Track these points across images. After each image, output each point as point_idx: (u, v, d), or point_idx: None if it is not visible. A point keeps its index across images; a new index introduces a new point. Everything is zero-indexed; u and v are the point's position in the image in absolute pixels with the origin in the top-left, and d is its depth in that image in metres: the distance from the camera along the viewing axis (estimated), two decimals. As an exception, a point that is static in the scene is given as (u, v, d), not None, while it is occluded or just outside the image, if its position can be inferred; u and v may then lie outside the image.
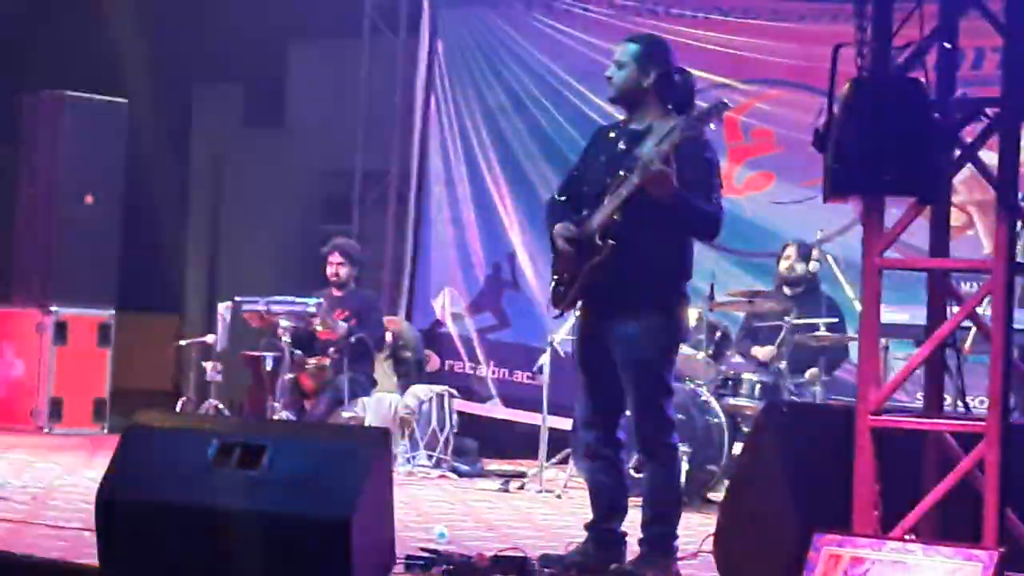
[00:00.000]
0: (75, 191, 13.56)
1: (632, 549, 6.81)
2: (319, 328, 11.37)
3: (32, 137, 13.76)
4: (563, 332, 10.33)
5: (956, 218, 7.12)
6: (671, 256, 6.73)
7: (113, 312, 13.65)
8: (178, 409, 12.12)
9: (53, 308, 13.32)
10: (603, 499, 6.87)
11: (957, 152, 5.59)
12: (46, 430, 13.10)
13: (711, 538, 6.44)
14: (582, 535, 6.91)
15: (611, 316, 6.71)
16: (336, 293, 11.81)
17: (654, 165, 6.46)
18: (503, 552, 6.75)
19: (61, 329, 13.34)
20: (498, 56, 13.95)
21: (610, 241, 6.61)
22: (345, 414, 11.17)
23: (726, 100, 6.95)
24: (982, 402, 6.56)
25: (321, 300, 11.52)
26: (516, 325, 13.55)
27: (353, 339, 11.43)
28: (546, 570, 6.55)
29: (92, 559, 5.82)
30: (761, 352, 10.70)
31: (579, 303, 6.90)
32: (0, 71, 15.13)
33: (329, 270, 11.83)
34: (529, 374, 12.62)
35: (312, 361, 11.41)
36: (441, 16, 14.38)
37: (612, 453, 6.83)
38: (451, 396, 11.73)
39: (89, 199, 13.58)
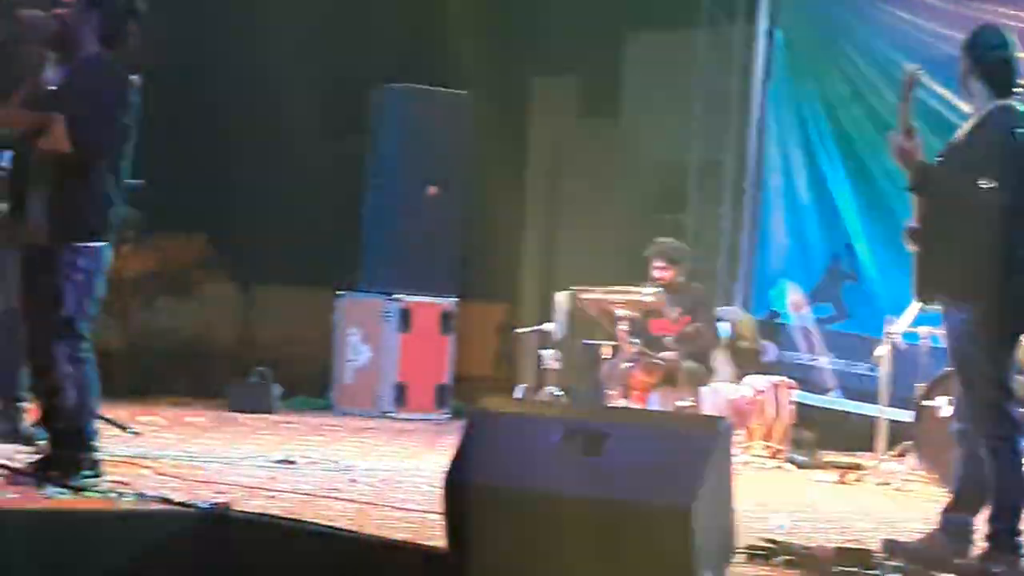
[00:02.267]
0: (420, 182, 13.84)
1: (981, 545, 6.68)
2: (656, 318, 11.38)
3: (379, 129, 14.09)
4: (903, 324, 10.14)
5: None
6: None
7: (456, 300, 13.90)
8: (518, 396, 12.27)
9: (397, 296, 13.62)
10: (963, 488, 6.78)
11: None
12: (391, 415, 13.40)
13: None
14: (922, 529, 6.79)
15: None
16: (666, 294, 11.79)
17: None
18: (844, 544, 6.67)
19: (405, 316, 13.64)
20: (838, 45, 13.73)
21: None
22: (681, 404, 11.16)
23: None
24: None
25: (660, 288, 11.51)
26: (855, 315, 13.34)
27: (688, 328, 11.43)
28: (889, 562, 6.44)
29: (437, 541, 5.93)
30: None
31: None
32: (351, 65, 15.55)
33: (654, 274, 11.80)
34: (868, 365, 12.41)
35: (653, 356, 11.40)
36: (779, 4, 14.23)
37: (979, 443, 6.71)
38: (788, 386, 11.61)
39: (432, 190, 13.85)
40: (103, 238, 7.08)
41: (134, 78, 7.07)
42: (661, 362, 11.41)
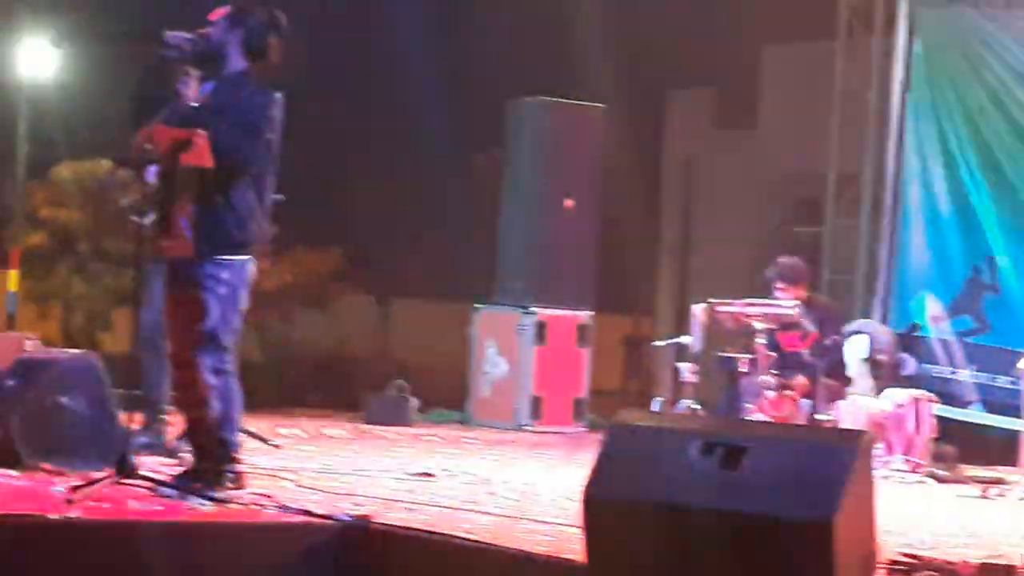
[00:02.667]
0: (555, 195, 13.86)
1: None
2: (786, 331, 11.31)
3: (515, 142, 14.14)
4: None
5: None
6: None
7: (591, 313, 13.89)
8: (655, 409, 12.24)
9: (533, 309, 13.65)
10: None
11: None
12: (527, 427, 13.42)
13: None
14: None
15: None
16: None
17: None
18: (987, 559, 6.57)
19: (541, 329, 13.66)
20: (979, 56, 13.55)
21: None
22: (820, 417, 11.07)
23: None
24: None
25: (798, 303, 11.42)
26: (997, 328, 13.16)
27: (827, 342, 11.33)
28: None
29: (576, 554, 5.93)
30: None
31: None
32: (488, 79, 15.63)
33: (777, 295, 11.69)
34: (1010, 378, 12.23)
35: (786, 386, 11.31)
36: (919, 15, 14.07)
37: None
38: (928, 400, 11.47)
39: (568, 203, 13.87)
40: (247, 252, 7.17)
41: (277, 93, 7.15)
42: (793, 392, 11.28)
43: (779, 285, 11.68)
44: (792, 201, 16.70)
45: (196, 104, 7.11)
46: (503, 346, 13.81)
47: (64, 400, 8.06)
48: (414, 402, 13.27)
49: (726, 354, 12.03)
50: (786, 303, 11.41)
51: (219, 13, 7.23)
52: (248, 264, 7.21)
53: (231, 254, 7.10)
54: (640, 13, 15.93)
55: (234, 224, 7.10)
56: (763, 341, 11.28)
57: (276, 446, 9.97)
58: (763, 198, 17.08)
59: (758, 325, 11.28)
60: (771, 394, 11.26)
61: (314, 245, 18.36)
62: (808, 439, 6.06)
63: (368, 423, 12.92)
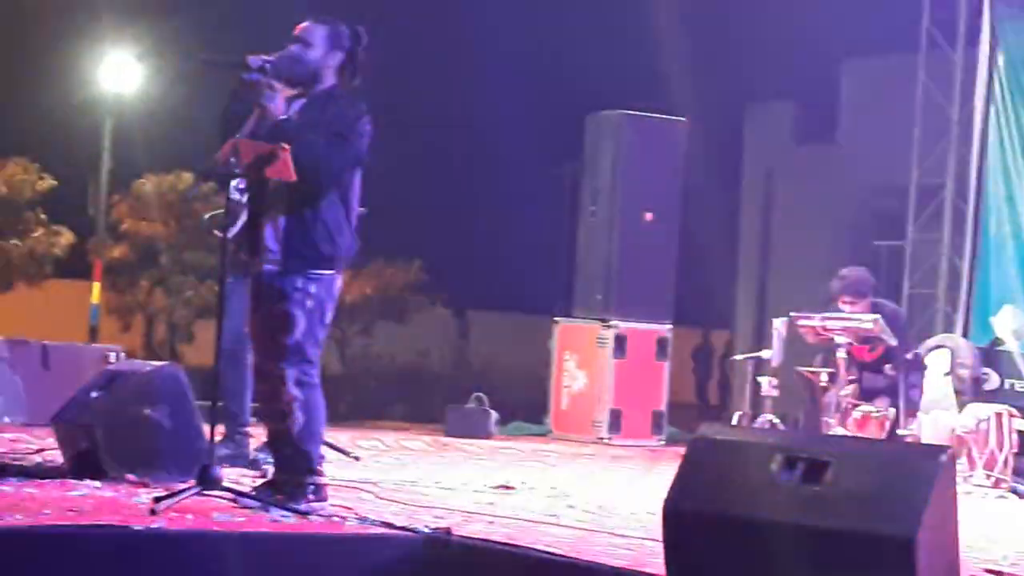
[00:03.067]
0: (634, 208, 13.86)
1: None
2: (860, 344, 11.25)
3: (594, 156, 14.15)
4: None
5: None
6: None
7: (670, 326, 13.87)
8: (734, 423, 12.21)
9: (613, 322, 13.64)
10: None
11: None
12: (606, 440, 13.41)
13: None
14: None
15: None
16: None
17: None
18: (1073, 577, 6.51)
19: (621, 343, 13.65)
20: (1062, 67, 13.46)
21: None
22: (902, 432, 11.01)
23: None
24: None
25: (878, 316, 11.36)
26: (1079, 343, 13.01)
27: (907, 356, 11.26)
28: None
29: (656, 568, 5.92)
30: None
31: None
32: (568, 92, 15.65)
33: (844, 310, 11.62)
34: (1095, 394, 12.09)
35: (863, 408, 11.24)
36: (1002, 27, 13.97)
37: None
38: (1011, 415, 11.36)
39: (648, 216, 13.86)
40: (336, 267, 7.21)
41: (364, 108, 7.19)
42: (875, 410, 11.21)
43: (845, 299, 11.62)
44: (873, 214, 16.61)
45: (284, 117, 7.15)
46: (582, 359, 13.81)
47: (148, 411, 8.13)
48: (493, 415, 13.30)
49: (805, 368, 11.98)
50: (866, 317, 11.35)
51: (311, 30, 7.27)
52: (336, 279, 7.25)
53: (320, 268, 7.14)
54: (719, 26, 15.91)
55: (324, 238, 7.13)
56: (844, 355, 11.22)
57: (356, 458, 10.01)
58: (843, 211, 17.00)
59: (839, 339, 11.23)
60: (852, 409, 11.20)
61: (394, 259, 18.48)
62: (890, 454, 6.03)
63: (448, 435, 12.96)
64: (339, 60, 7.26)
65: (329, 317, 7.23)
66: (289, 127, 7.07)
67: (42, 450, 9.00)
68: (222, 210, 7.52)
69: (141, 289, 20.18)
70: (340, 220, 7.17)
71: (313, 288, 7.11)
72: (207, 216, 10.17)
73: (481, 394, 13.43)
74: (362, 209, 7.46)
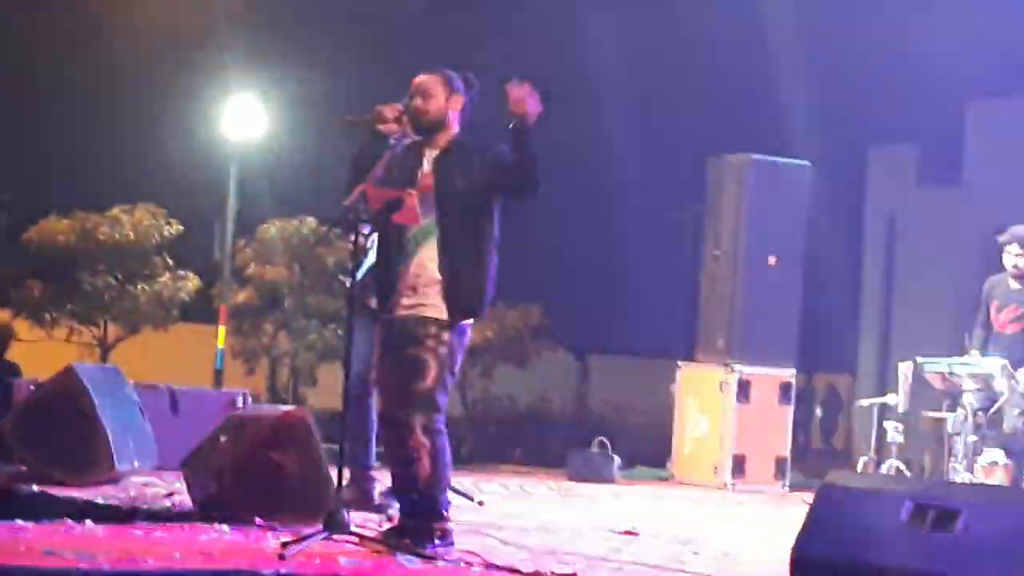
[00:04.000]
0: (758, 252, 13.79)
1: None
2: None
3: (717, 199, 14.10)
4: None
5: None
6: None
7: (794, 371, 13.79)
8: (859, 469, 12.10)
9: (736, 366, 13.58)
10: None
11: None
12: (729, 486, 13.34)
13: None
14: None
15: None
16: (1016, 285, 11.45)
17: None
18: None
19: (744, 387, 13.58)
20: None
21: None
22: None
23: None
24: None
25: (1006, 363, 11.18)
26: None
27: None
28: None
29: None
30: None
31: None
32: (689, 134, 15.66)
33: (1007, 261, 11.47)
34: None
35: (990, 456, 11.08)
36: None
37: None
38: None
39: (772, 260, 13.80)
40: (472, 316, 7.24)
41: (490, 155, 7.22)
42: (1002, 457, 11.04)
43: (1016, 251, 11.47)
44: (999, 257, 16.42)
45: (427, 168, 7.26)
46: (705, 404, 13.76)
47: (275, 456, 8.20)
48: (616, 459, 13.27)
49: (932, 414, 11.85)
50: (992, 362, 11.20)
51: (428, 82, 7.36)
52: (469, 327, 7.29)
53: (457, 317, 7.18)
54: (841, 69, 15.84)
55: (477, 288, 7.20)
56: (971, 401, 11.08)
57: (480, 503, 10.03)
58: (968, 255, 16.81)
59: (967, 385, 11.09)
60: (980, 456, 11.05)
61: (514, 301, 18.52)
62: (1021, 503, 5.95)
63: (570, 480, 12.96)
64: (460, 105, 7.36)
65: (459, 365, 7.27)
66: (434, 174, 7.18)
67: (172, 494, 9.13)
68: (347, 255, 7.59)
69: (265, 333, 20.37)
70: (479, 269, 7.21)
71: (447, 335, 7.14)
72: (331, 260, 10.24)
73: (603, 438, 13.42)
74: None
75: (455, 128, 7.36)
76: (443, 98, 7.34)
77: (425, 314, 7.14)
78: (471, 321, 7.27)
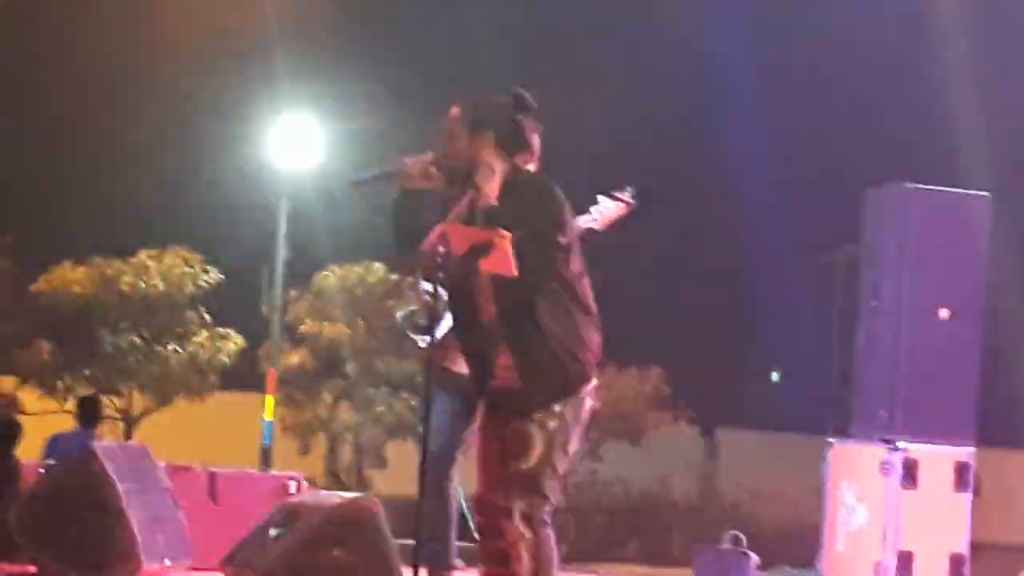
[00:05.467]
0: (927, 303, 13.68)
1: None
2: None
3: (876, 239, 14.00)
4: None
5: None
6: None
7: (973, 449, 13.65)
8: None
9: (900, 444, 13.46)
10: None
11: None
12: (892, 590, 13.23)
13: None
14: None
15: None
16: None
17: None
18: None
19: (911, 469, 13.46)
20: None
21: None
22: None
23: None
24: None
25: None
26: None
27: None
28: None
29: None
30: None
31: None
32: (840, 163, 15.60)
33: None
34: None
35: None
36: None
37: None
38: None
39: (944, 313, 13.68)
40: (586, 381, 7.16)
41: (559, 193, 7.10)
42: None
43: None
44: None
45: (492, 204, 7.15)
46: (862, 489, 13.65)
47: (337, 553, 8.21)
48: (753, 557, 13.20)
49: None
50: None
51: (452, 119, 7.25)
52: (586, 399, 7.19)
53: (568, 386, 7.11)
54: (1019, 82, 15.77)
55: (570, 346, 7.11)
56: None
57: (587, 611, 10.00)
58: None
59: None
60: None
61: (628, 365, 18.48)
62: None
63: (696, 583, 12.92)
64: (491, 141, 7.18)
65: (574, 445, 7.18)
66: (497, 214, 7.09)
67: (210, 599, 9.16)
68: (419, 308, 7.58)
69: (323, 403, 20.45)
70: (584, 322, 7.15)
71: (558, 407, 7.07)
72: (402, 313, 10.19)
73: (737, 532, 13.35)
74: None
75: (497, 170, 7.15)
76: (465, 139, 7.20)
77: (526, 385, 7.07)
78: (591, 384, 7.18)
